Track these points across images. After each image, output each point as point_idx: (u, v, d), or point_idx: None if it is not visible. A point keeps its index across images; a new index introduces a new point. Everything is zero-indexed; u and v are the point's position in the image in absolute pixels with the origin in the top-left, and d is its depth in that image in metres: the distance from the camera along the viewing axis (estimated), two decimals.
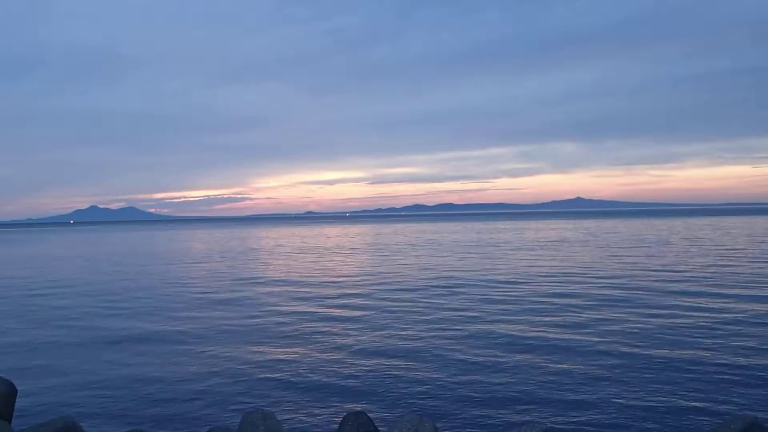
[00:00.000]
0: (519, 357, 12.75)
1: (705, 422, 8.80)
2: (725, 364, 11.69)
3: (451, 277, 27.69)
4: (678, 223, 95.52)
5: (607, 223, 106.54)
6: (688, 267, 29.08)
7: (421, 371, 11.91)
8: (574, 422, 9.03)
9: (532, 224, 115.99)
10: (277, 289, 25.72)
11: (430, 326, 16.25)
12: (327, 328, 16.47)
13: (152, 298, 23.63)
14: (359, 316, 18.20)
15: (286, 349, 14.11)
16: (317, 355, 13.51)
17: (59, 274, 35.55)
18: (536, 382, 10.94)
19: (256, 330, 16.52)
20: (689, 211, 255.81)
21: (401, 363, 12.56)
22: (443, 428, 8.80)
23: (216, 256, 47.95)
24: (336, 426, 7.88)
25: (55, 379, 12.04)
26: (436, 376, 11.57)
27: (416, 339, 14.76)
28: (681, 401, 9.75)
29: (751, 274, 25.81)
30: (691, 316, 16.62)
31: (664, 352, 12.78)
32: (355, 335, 15.46)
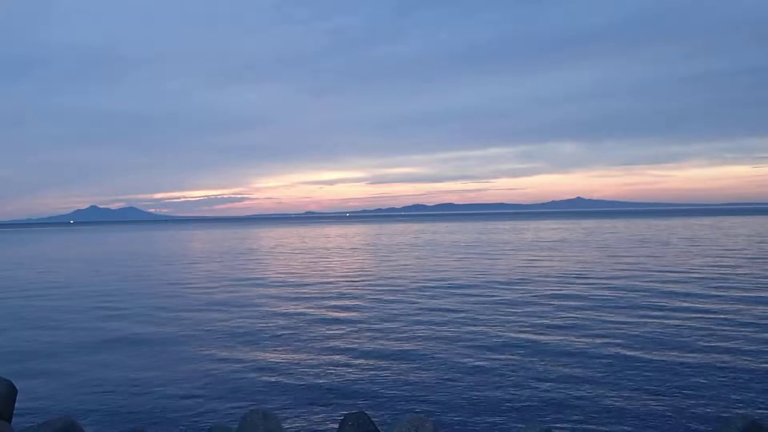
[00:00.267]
0: (519, 357, 12.75)
1: (705, 422, 8.80)
2: (725, 364, 11.69)
3: (450, 278, 27.69)
4: (678, 223, 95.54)
5: (607, 223, 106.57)
6: (688, 268, 29.08)
7: (421, 371, 11.91)
8: (573, 422, 9.03)
9: (532, 224, 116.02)
10: (276, 290, 25.72)
11: (430, 327, 16.25)
12: (327, 329, 16.48)
13: (151, 300, 23.64)
14: (359, 317, 18.20)
15: (286, 350, 14.12)
16: (317, 355, 13.52)
17: (58, 275, 35.56)
18: (536, 383, 10.95)
19: (256, 331, 16.52)
20: (689, 211, 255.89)
21: (401, 363, 12.56)
22: (443, 428, 8.80)
23: (215, 257, 47.97)
24: (336, 426, 7.88)
25: (54, 379, 12.05)
26: (436, 376, 11.57)
27: (416, 340, 14.77)
28: (681, 402, 9.75)
29: (751, 274, 25.80)
30: (691, 317, 16.62)
31: (663, 353, 12.79)
32: (355, 336, 15.46)
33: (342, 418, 7.66)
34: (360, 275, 30.34)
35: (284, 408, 9.97)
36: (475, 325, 16.19)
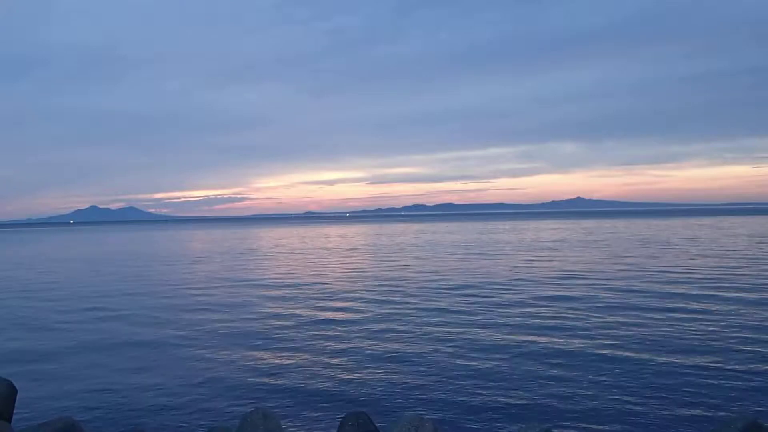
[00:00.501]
0: (518, 358, 12.75)
1: (705, 423, 8.80)
2: (725, 365, 11.69)
3: (450, 279, 27.69)
4: (678, 223, 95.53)
5: (607, 223, 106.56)
6: (687, 268, 29.09)
7: (420, 372, 11.91)
8: (573, 422, 9.03)
9: (532, 224, 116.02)
10: (276, 291, 25.72)
11: (430, 328, 16.25)
12: (326, 330, 16.47)
13: (151, 301, 23.64)
14: (359, 318, 18.20)
15: (286, 350, 14.11)
16: (317, 355, 13.51)
17: (58, 276, 35.56)
18: (536, 383, 10.95)
19: (256, 332, 16.52)
20: (689, 211, 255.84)
21: (401, 364, 12.56)
22: (443, 428, 8.80)
23: (215, 257, 47.97)
24: (336, 426, 7.87)
25: (54, 380, 12.04)
26: (435, 376, 11.57)
27: (416, 340, 14.76)
28: (681, 402, 9.75)
29: (751, 275, 25.81)
30: (691, 318, 16.62)
31: (663, 353, 12.79)
32: (355, 336, 15.46)
33: (342, 417, 7.66)
34: (360, 276, 30.34)
35: (284, 408, 9.97)
36: (475, 326, 16.19)
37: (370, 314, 18.54)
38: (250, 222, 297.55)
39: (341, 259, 42.44)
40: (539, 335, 14.77)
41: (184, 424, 9.39)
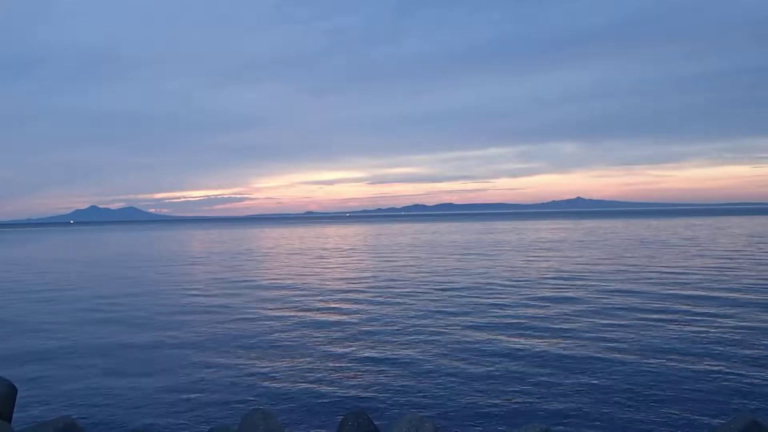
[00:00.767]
0: (518, 359, 12.75)
1: (705, 423, 8.81)
2: (725, 365, 11.69)
3: (450, 280, 27.70)
4: (678, 223, 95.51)
5: (607, 224, 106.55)
6: (687, 269, 29.09)
7: (420, 372, 11.91)
8: (573, 423, 9.03)
9: (532, 224, 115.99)
10: (275, 291, 25.73)
11: (430, 328, 16.26)
12: (326, 330, 16.47)
13: (150, 302, 23.64)
14: (358, 318, 18.20)
15: (286, 351, 14.11)
16: (317, 356, 13.51)
17: (58, 276, 35.56)
18: (536, 384, 10.95)
19: (256, 332, 16.52)
20: (689, 211, 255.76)
21: (401, 364, 12.56)
22: (443, 428, 8.81)
23: (214, 258, 47.97)
24: (336, 426, 7.87)
25: (54, 380, 12.04)
26: (435, 376, 11.57)
27: (416, 341, 14.76)
28: (681, 402, 9.76)
29: (751, 276, 25.81)
30: (691, 318, 16.63)
31: (663, 354, 12.79)
32: (355, 336, 15.46)
33: (342, 417, 7.66)
34: (359, 276, 30.34)
35: (284, 408, 9.97)
36: (475, 327, 16.19)
37: (369, 315, 18.54)
38: (250, 222, 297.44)
39: (341, 259, 42.43)
40: (539, 336, 14.77)
41: (184, 424, 9.39)
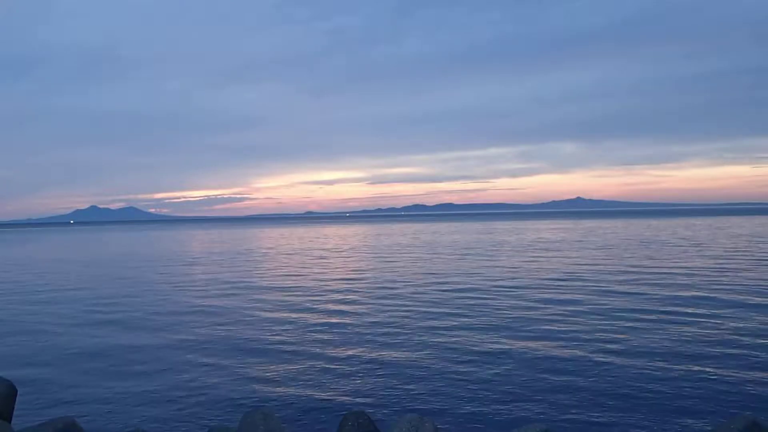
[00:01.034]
0: (517, 360, 12.75)
1: (705, 423, 8.81)
2: (724, 365, 11.69)
3: (449, 280, 27.72)
4: (678, 223, 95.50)
5: (607, 224, 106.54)
6: (687, 270, 29.09)
7: (420, 372, 11.91)
8: (573, 423, 9.03)
9: (532, 225, 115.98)
10: (274, 292, 25.74)
11: (430, 329, 16.26)
12: (326, 331, 16.47)
13: (150, 303, 23.65)
14: (358, 319, 18.20)
15: (286, 351, 14.11)
16: (317, 356, 13.51)
17: (57, 277, 35.56)
18: (535, 385, 10.95)
19: (255, 333, 16.52)
20: (689, 211, 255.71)
21: (401, 364, 12.56)
22: (443, 428, 8.81)
23: (214, 258, 47.99)
24: (336, 426, 7.87)
25: (55, 380, 12.04)
26: (435, 376, 11.57)
27: (416, 341, 14.76)
28: (680, 402, 9.76)
29: (751, 276, 25.82)
30: (691, 319, 16.64)
31: (662, 353, 12.79)
32: (355, 336, 15.46)
33: (342, 417, 7.66)
34: (359, 277, 30.34)
35: (284, 408, 9.96)
36: (474, 328, 16.19)
37: (369, 316, 18.54)
38: (249, 222, 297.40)
39: (341, 259, 42.44)
40: (538, 338, 14.76)
41: (184, 424, 9.39)
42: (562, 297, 20.74)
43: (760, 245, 43.13)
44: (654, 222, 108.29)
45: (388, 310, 19.11)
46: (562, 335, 14.68)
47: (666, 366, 11.73)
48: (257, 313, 19.47)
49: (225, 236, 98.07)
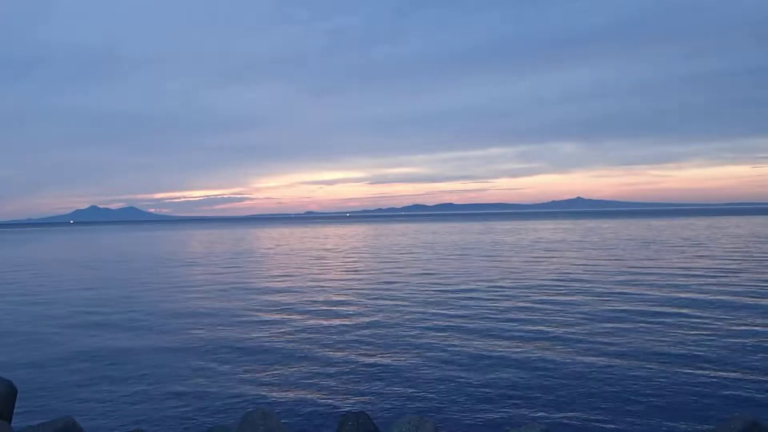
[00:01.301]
0: (518, 360, 12.75)
1: (705, 423, 8.81)
2: (724, 365, 11.69)
3: (449, 281, 27.72)
4: (678, 223, 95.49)
5: (607, 224, 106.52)
6: (687, 270, 29.10)
7: (420, 372, 11.91)
8: (573, 423, 9.03)
9: (532, 225, 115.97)
10: (274, 292, 25.74)
11: (429, 330, 16.26)
12: (325, 331, 16.48)
13: (149, 303, 23.66)
14: (358, 319, 18.20)
15: (286, 351, 14.11)
16: (317, 356, 13.51)
17: (57, 278, 35.57)
18: (535, 385, 10.95)
19: (255, 334, 16.52)
20: (689, 211, 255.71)
21: (401, 364, 12.57)
22: (443, 428, 8.81)
23: (214, 259, 47.99)
24: (336, 426, 7.87)
25: (54, 380, 12.04)
26: (435, 377, 11.58)
27: (416, 341, 14.77)
28: (680, 402, 9.76)
29: (751, 276, 25.81)
30: (691, 321, 16.64)
31: (662, 354, 12.79)
32: (354, 337, 15.46)
33: (342, 417, 7.66)
34: (359, 277, 30.34)
35: (284, 407, 9.97)
36: (473, 329, 16.19)
37: (369, 316, 18.54)
38: (250, 222, 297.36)
39: (340, 260, 42.44)
40: (538, 338, 14.77)
41: (184, 424, 9.39)
42: (562, 298, 20.75)
43: (760, 245, 43.11)
44: (654, 222, 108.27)
45: (388, 311, 19.11)
46: (562, 336, 14.68)
47: (666, 366, 11.73)
48: (257, 313, 19.48)
49: (225, 236, 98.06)
